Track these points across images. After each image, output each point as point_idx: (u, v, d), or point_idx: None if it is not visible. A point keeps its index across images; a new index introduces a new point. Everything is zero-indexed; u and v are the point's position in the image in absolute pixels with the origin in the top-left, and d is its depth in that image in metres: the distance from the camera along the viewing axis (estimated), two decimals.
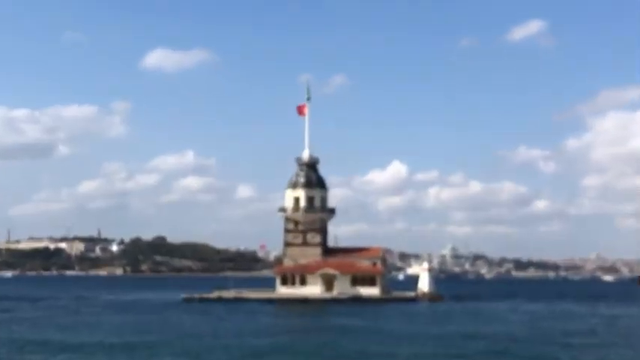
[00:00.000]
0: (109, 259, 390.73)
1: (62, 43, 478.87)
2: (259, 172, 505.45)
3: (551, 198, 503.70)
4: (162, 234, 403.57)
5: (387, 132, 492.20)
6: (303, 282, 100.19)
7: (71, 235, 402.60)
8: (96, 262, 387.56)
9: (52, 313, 76.76)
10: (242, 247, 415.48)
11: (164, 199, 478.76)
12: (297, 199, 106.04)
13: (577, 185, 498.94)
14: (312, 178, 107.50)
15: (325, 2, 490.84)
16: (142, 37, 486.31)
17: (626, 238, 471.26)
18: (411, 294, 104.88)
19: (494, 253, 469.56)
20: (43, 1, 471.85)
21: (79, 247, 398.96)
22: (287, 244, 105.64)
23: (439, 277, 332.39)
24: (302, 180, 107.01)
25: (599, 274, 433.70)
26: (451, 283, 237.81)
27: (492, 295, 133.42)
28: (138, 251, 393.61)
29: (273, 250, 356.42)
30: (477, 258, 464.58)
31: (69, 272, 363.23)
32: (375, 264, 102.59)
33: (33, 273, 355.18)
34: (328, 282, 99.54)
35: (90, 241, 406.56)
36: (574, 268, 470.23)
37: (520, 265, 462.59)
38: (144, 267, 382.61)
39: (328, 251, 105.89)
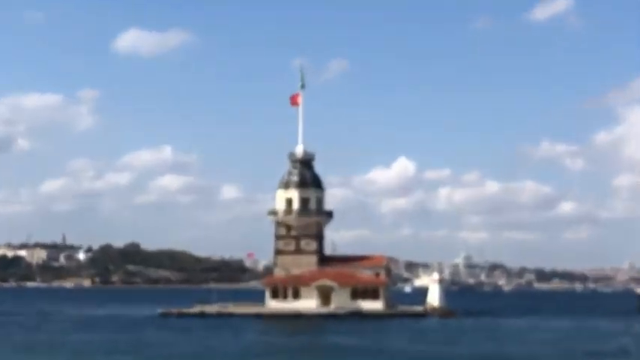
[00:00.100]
0: (75, 269, 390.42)
1: (21, 24, 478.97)
2: (246, 170, 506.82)
3: (579, 200, 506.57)
4: (136, 240, 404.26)
5: (392, 125, 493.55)
6: (296, 295, 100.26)
7: (32, 242, 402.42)
8: (60, 273, 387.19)
9: (7, 330, 76.60)
10: (227, 256, 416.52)
11: (138, 200, 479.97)
12: (289, 201, 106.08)
13: (608, 185, 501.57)
14: (307, 176, 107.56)
15: None
16: (112, 16, 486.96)
17: None
18: (419, 309, 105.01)
19: (513, 263, 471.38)
20: None
21: (40, 255, 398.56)
22: (278, 252, 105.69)
23: (451, 289, 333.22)
24: (295, 179, 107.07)
25: (632, 285, 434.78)
26: (464, 296, 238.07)
27: (511, 311, 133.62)
28: (108, 260, 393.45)
29: (262, 259, 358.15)
30: (493, 268, 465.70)
31: (29, 284, 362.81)
32: (378, 274, 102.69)
33: None
34: (325, 295, 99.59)
35: (53, 249, 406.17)
36: (604, 279, 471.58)
37: (543, 275, 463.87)
38: (115, 278, 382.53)
39: (325, 260, 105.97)
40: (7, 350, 56.09)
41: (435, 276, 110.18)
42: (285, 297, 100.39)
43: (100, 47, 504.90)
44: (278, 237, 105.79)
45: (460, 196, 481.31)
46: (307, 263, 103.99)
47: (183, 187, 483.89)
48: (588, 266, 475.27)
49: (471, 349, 59.52)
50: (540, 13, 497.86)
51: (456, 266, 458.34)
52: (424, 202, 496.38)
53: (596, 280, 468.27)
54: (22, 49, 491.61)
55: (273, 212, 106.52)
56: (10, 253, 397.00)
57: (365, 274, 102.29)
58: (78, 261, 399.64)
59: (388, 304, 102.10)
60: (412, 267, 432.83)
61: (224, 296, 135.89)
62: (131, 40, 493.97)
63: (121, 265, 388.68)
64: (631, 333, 79.61)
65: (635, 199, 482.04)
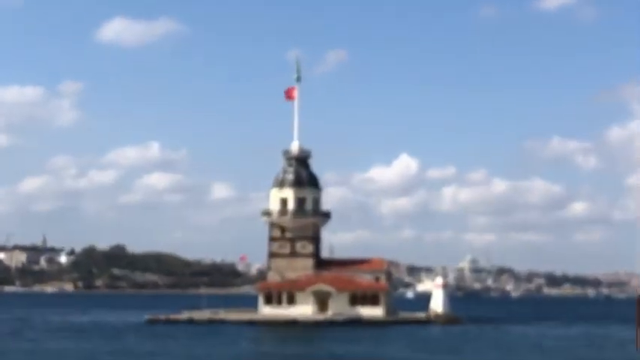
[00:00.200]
0: (57, 273, 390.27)
1: None
2: (239, 168, 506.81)
3: (591, 199, 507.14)
4: (121, 242, 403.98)
5: (393, 120, 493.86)
6: (291, 301, 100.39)
7: (11, 244, 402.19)
8: (41, 276, 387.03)
9: None
10: (218, 259, 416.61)
11: (123, 200, 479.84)
12: (284, 201, 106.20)
13: (622, 184, 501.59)
14: (303, 175, 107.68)
15: None
16: (96, 4, 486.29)
17: None
18: (422, 315, 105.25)
19: (521, 266, 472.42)
20: None
21: (20, 258, 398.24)
22: (272, 255, 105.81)
23: (456, 294, 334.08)
24: (290, 177, 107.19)
25: None
26: (470, 302, 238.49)
27: (519, 317, 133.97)
28: (91, 263, 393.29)
29: (256, 263, 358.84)
30: (501, 272, 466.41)
31: (8, 288, 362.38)
32: (378, 279, 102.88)
33: None
34: (321, 301, 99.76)
35: (33, 251, 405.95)
36: (618, 284, 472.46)
37: (553, 280, 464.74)
38: (99, 282, 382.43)
39: (322, 264, 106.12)
40: None
41: (439, 281, 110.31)
42: (279, 303, 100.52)
43: (83, 37, 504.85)
44: (272, 239, 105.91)
45: (465, 195, 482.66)
46: (303, 267, 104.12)
47: (172, 185, 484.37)
48: (601, 270, 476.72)
49: (475, 358, 59.66)
50: (550, 2, 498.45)
51: (460, 270, 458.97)
52: (427, 202, 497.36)
53: (610, 285, 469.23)
54: None
55: (267, 213, 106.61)
56: None
57: (364, 279, 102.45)
58: (60, 264, 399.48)
59: (389, 310, 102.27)
60: (414, 271, 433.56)
61: (215, 302, 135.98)
62: (116, 29, 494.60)
63: (105, 269, 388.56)
64: None
65: None
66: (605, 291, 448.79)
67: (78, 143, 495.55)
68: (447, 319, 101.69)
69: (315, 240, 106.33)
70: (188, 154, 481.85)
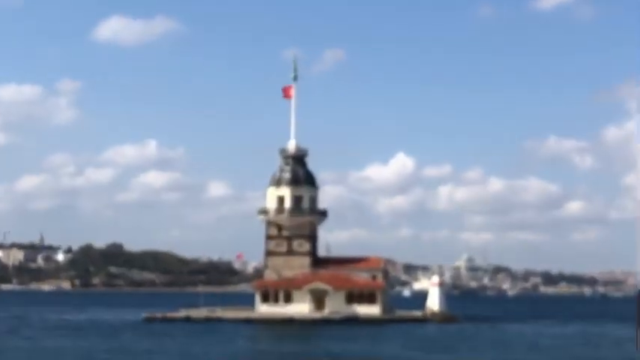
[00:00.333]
0: (54, 271, 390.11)
1: None
2: (236, 166, 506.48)
3: (588, 199, 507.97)
4: (119, 241, 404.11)
5: (389, 118, 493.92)
6: (288, 299, 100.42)
7: (8, 242, 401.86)
8: (38, 274, 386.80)
9: None
10: (215, 257, 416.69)
11: (121, 198, 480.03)
12: (281, 199, 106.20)
13: (618, 184, 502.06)
14: (300, 173, 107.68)
15: None
16: (94, 3, 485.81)
17: None
18: (418, 314, 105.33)
19: (518, 265, 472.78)
20: None
21: (17, 256, 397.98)
22: (269, 254, 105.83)
23: (452, 293, 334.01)
24: (287, 176, 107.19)
25: None
26: (466, 300, 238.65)
27: (515, 316, 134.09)
28: (89, 261, 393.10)
29: (252, 261, 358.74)
30: (497, 271, 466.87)
31: (5, 286, 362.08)
32: (374, 277, 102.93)
33: None
34: (318, 299, 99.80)
35: (31, 249, 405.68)
36: (614, 283, 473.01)
37: (549, 279, 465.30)
38: (96, 280, 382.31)
39: (318, 262, 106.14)
40: None
41: (435, 279, 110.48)
42: (276, 301, 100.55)
43: (81, 35, 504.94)
44: (269, 237, 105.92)
45: (462, 194, 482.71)
46: (300, 265, 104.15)
47: (169, 184, 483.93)
48: (597, 269, 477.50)
49: (472, 356, 59.70)
50: (547, 2, 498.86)
51: (457, 269, 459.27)
52: (424, 200, 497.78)
53: (606, 283, 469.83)
54: None
55: (264, 211, 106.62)
56: None
57: (361, 277, 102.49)
58: (57, 262, 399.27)
59: (385, 308, 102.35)
60: (411, 270, 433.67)
61: (212, 300, 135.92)
62: (114, 28, 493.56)
63: (102, 267, 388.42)
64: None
65: None
66: (601, 290, 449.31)
67: (75, 142, 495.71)
68: (443, 318, 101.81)
69: (312, 238, 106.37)
70: (185, 152, 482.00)
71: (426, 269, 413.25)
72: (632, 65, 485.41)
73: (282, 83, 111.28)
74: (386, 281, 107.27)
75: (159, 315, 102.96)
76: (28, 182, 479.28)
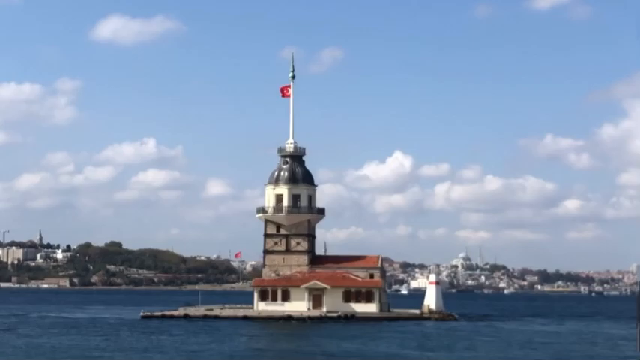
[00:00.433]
0: (53, 269, 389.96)
1: None
2: (234, 165, 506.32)
3: (584, 198, 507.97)
4: (117, 239, 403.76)
5: (387, 118, 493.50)
6: (285, 297, 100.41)
7: (7, 240, 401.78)
8: (37, 273, 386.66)
9: None
10: (213, 255, 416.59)
11: (119, 196, 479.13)
12: (279, 198, 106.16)
13: (614, 182, 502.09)
14: (298, 172, 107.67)
15: None
16: (93, 2, 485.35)
17: None
18: (416, 312, 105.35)
19: (515, 264, 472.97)
20: None
21: (16, 255, 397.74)
22: (267, 252, 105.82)
23: (449, 291, 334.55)
24: (285, 175, 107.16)
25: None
26: (463, 298, 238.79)
27: (512, 314, 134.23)
28: (88, 259, 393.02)
29: (251, 259, 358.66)
30: (494, 269, 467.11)
31: (4, 284, 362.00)
32: (372, 275, 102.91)
33: None
34: (316, 297, 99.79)
35: (30, 247, 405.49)
36: (610, 281, 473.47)
37: (546, 277, 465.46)
38: (95, 278, 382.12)
39: (316, 260, 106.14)
40: None
41: (433, 277, 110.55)
42: (274, 299, 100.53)
43: (80, 34, 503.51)
44: (267, 236, 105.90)
45: (459, 193, 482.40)
46: (298, 263, 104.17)
47: (168, 182, 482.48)
48: (594, 268, 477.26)
49: (468, 354, 59.75)
50: (543, 1, 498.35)
51: (454, 267, 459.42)
52: (421, 199, 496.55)
53: (602, 282, 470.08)
54: None
55: (262, 210, 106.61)
56: None
57: (358, 276, 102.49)
58: (56, 260, 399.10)
59: (382, 306, 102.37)
60: (408, 268, 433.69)
61: (210, 298, 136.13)
62: (113, 27, 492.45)
63: (101, 265, 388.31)
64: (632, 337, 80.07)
65: None
66: (597, 288, 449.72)
67: (74, 140, 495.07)
68: (440, 316, 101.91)
69: (310, 237, 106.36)
70: (184, 151, 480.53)
71: (423, 267, 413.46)
72: (628, 64, 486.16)
73: (280, 82, 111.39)
74: (383, 279, 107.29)
75: (157, 313, 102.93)
76: (27, 181, 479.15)
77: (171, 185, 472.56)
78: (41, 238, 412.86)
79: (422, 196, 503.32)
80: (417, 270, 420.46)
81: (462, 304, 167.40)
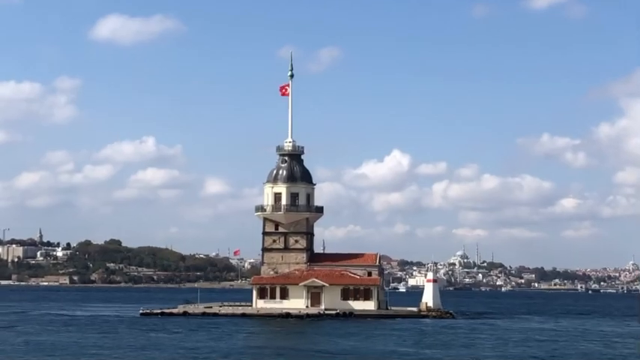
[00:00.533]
0: (53, 267, 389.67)
1: None
2: (233, 163, 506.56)
3: (581, 196, 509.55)
4: (117, 237, 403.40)
5: (385, 116, 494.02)
6: (284, 295, 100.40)
7: (7, 238, 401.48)
8: (37, 270, 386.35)
9: None
10: (212, 254, 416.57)
11: (119, 195, 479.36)
12: (277, 196, 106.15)
13: (611, 181, 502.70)
14: (296, 170, 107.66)
15: None
16: (93, 2, 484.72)
17: None
18: (413, 309, 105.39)
19: (512, 262, 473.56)
20: None
21: (16, 253, 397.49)
22: (265, 250, 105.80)
23: (447, 289, 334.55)
24: (284, 173, 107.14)
25: (637, 286, 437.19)
26: (461, 296, 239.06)
27: (509, 312, 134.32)
28: (87, 257, 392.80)
29: (249, 257, 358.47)
30: (491, 267, 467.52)
31: (4, 282, 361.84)
32: (370, 273, 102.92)
33: None
34: (314, 295, 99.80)
35: (30, 245, 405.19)
36: (607, 279, 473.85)
37: (543, 275, 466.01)
38: (94, 276, 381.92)
39: (314, 258, 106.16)
40: None
41: (430, 275, 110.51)
42: (272, 297, 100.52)
43: (80, 34, 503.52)
44: (265, 234, 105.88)
45: (456, 191, 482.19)
46: (296, 261, 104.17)
47: (167, 181, 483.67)
48: (591, 266, 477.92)
49: (465, 351, 59.78)
50: (540, 1, 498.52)
51: (452, 265, 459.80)
52: (419, 197, 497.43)
53: (599, 280, 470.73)
54: None
55: (261, 208, 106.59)
56: None
57: (356, 274, 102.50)
58: (56, 258, 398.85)
59: (380, 304, 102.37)
60: (406, 266, 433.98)
61: (209, 296, 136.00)
62: (111, 26, 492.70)
63: (100, 263, 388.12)
64: (626, 335, 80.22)
65: (639, 196, 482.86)
66: (594, 286, 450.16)
67: (74, 139, 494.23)
68: (438, 313, 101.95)
69: (308, 235, 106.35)
70: (183, 149, 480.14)
71: (420, 265, 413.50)
72: (624, 63, 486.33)
73: (279, 81, 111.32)
74: (381, 277, 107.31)
75: (156, 310, 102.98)
76: (27, 179, 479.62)
77: (171, 184, 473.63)
78: (41, 236, 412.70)
79: (420, 195, 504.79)
80: (414, 268, 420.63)
81: (460, 302, 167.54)
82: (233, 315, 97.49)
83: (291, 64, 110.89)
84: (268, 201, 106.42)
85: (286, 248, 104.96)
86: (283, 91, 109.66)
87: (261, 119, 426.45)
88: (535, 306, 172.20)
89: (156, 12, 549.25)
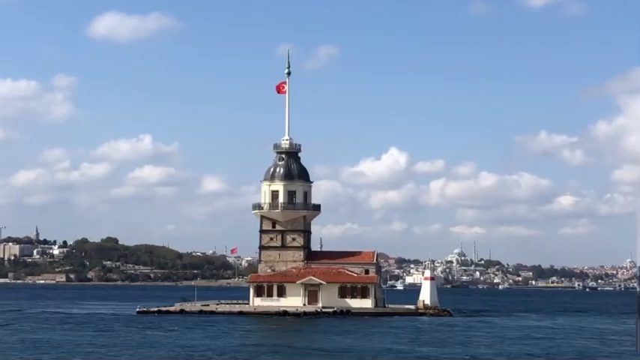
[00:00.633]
0: (50, 265, 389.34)
1: None
2: (230, 161, 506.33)
3: (578, 194, 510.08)
4: (114, 235, 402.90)
5: (382, 114, 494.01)
6: (281, 293, 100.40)
7: (4, 236, 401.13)
8: (33, 269, 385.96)
9: None
10: (209, 251, 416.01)
11: (115, 193, 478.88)
12: (275, 194, 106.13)
13: (608, 179, 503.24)
14: (293, 168, 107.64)
15: None
16: None
17: None
18: (411, 307, 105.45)
19: (509, 259, 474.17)
20: None
21: (13, 251, 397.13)
22: (263, 248, 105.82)
23: (444, 287, 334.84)
24: (281, 171, 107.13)
25: (634, 284, 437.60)
26: (458, 294, 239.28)
27: (506, 310, 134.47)
28: (84, 255, 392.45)
29: (246, 255, 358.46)
30: (489, 265, 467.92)
31: (0, 280, 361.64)
32: (367, 271, 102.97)
33: None
34: (311, 293, 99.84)
35: (26, 244, 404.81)
36: (605, 277, 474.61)
37: (540, 273, 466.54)
38: (91, 274, 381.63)
39: (312, 256, 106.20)
40: None
41: (427, 273, 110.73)
42: (270, 295, 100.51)
43: (77, 31, 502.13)
44: (263, 232, 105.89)
45: (454, 189, 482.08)
46: (293, 259, 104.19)
47: (164, 178, 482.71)
48: (588, 264, 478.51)
49: (462, 349, 59.85)
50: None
51: (449, 263, 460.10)
52: (416, 195, 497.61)
53: (596, 278, 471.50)
54: None
55: (258, 206, 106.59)
56: None
57: (354, 271, 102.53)
58: (52, 256, 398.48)
59: (378, 302, 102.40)
60: (403, 264, 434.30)
61: (206, 293, 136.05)
62: (109, 24, 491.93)
63: (97, 261, 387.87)
64: (619, 332, 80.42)
65: (636, 194, 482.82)
66: (591, 284, 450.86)
67: (71, 137, 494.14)
68: (435, 311, 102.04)
69: (306, 233, 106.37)
70: (180, 147, 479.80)
71: (418, 263, 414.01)
72: (622, 61, 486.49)
73: (276, 79, 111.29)
74: (378, 275, 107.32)
75: (153, 308, 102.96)
76: (23, 177, 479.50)
77: (167, 181, 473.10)
78: (37, 234, 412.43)
79: (417, 192, 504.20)
80: (412, 266, 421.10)
81: (457, 299, 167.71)
82: (230, 313, 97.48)
83: (288, 62, 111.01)
84: (265, 199, 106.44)
85: (283, 246, 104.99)
86: (280, 88, 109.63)
87: (259, 117, 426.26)
88: (532, 304, 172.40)
89: (153, 9, 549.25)
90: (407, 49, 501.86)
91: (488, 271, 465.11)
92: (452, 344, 63.57)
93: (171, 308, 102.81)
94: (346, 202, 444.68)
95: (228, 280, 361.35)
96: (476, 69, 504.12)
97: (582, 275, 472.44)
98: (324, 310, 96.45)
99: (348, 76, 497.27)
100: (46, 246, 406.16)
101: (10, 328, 78.27)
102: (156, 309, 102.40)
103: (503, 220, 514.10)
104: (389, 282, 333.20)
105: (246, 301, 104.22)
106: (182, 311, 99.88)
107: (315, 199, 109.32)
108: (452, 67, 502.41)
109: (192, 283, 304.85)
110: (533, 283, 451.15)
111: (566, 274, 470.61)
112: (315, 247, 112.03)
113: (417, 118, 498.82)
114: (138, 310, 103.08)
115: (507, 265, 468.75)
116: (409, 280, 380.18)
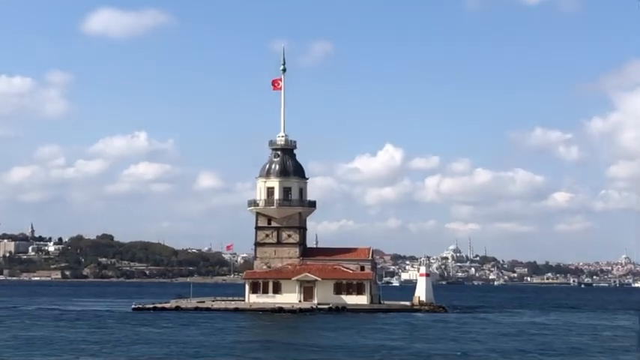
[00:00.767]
0: (45, 262, 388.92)
1: None
2: (225, 157, 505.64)
3: (573, 190, 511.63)
4: (109, 232, 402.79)
5: (378, 111, 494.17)
6: (277, 289, 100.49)
7: None
8: (29, 265, 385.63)
9: None
10: (204, 248, 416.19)
11: (110, 190, 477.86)
12: (270, 191, 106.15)
13: (603, 175, 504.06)
14: (289, 165, 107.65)
15: None
16: None
17: None
18: (406, 303, 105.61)
19: (504, 256, 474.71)
20: None
21: (8, 247, 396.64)
22: (258, 244, 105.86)
23: (439, 283, 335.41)
24: (276, 167, 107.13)
25: (629, 280, 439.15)
26: (454, 290, 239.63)
27: (501, 306, 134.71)
28: (79, 252, 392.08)
29: (242, 252, 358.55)
30: (484, 261, 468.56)
31: None
32: (362, 268, 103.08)
33: None
34: (307, 289, 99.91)
35: (22, 240, 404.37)
36: (600, 273, 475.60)
37: (535, 269, 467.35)
38: (86, 271, 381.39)
39: (307, 252, 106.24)
40: None
41: (423, 269, 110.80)
42: (265, 291, 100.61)
43: (71, 28, 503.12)
44: (258, 228, 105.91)
45: (449, 185, 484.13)
46: (289, 256, 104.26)
47: (159, 175, 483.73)
48: (583, 260, 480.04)
49: (457, 345, 59.93)
50: None
51: (444, 260, 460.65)
52: (411, 192, 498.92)
53: (592, 274, 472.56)
54: None
55: (253, 202, 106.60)
56: None
57: (349, 268, 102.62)
58: (47, 253, 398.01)
59: (373, 298, 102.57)
60: (399, 260, 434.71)
61: (201, 290, 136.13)
62: (103, 20, 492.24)
63: (92, 258, 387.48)
64: (611, 327, 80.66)
65: (631, 190, 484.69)
66: (586, 280, 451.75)
67: (66, 133, 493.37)
68: (430, 307, 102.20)
69: (301, 229, 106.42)
70: (175, 144, 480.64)
71: (413, 260, 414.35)
72: (616, 57, 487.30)
73: (271, 76, 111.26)
74: (374, 272, 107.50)
75: (149, 305, 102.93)
76: (18, 174, 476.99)
77: (163, 178, 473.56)
78: (33, 231, 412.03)
79: (412, 189, 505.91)
80: (407, 262, 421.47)
81: (452, 295, 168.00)
82: (226, 310, 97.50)
83: (284, 58, 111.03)
84: (261, 195, 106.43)
85: (279, 243, 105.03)
86: (276, 85, 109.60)
87: (254, 113, 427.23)
88: (527, 300, 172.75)
89: (148, 6, 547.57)
90: (402, 46, 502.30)
91: (484, 267, 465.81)
92: (445, 340, 63.64)
93: (167, 305, 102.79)
94: (342, 198, 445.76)
95: (224, 277, 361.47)
96: (470, 65, 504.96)
97: (577, 271, 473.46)
98: (319, 306, 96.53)
99: (344, 72, 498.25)
100: (42, 243, 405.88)
101: (3, 325, 78.14)
102: (151, 306, 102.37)
103: (499, 216, 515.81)
104: (384, 278, 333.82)
105: (241, 298, 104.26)
106: (177, 308, 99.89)
107: (310, 196, 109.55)
108: (447, 63, 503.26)
109: (188, 279, 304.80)
110: (529, 279, 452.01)
111: (561, 270, 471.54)
112: (310, 243, 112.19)
113: (413, 114, 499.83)
114: (133, 306, 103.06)
115: (502, 261, 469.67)
116: (405, 276, 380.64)
